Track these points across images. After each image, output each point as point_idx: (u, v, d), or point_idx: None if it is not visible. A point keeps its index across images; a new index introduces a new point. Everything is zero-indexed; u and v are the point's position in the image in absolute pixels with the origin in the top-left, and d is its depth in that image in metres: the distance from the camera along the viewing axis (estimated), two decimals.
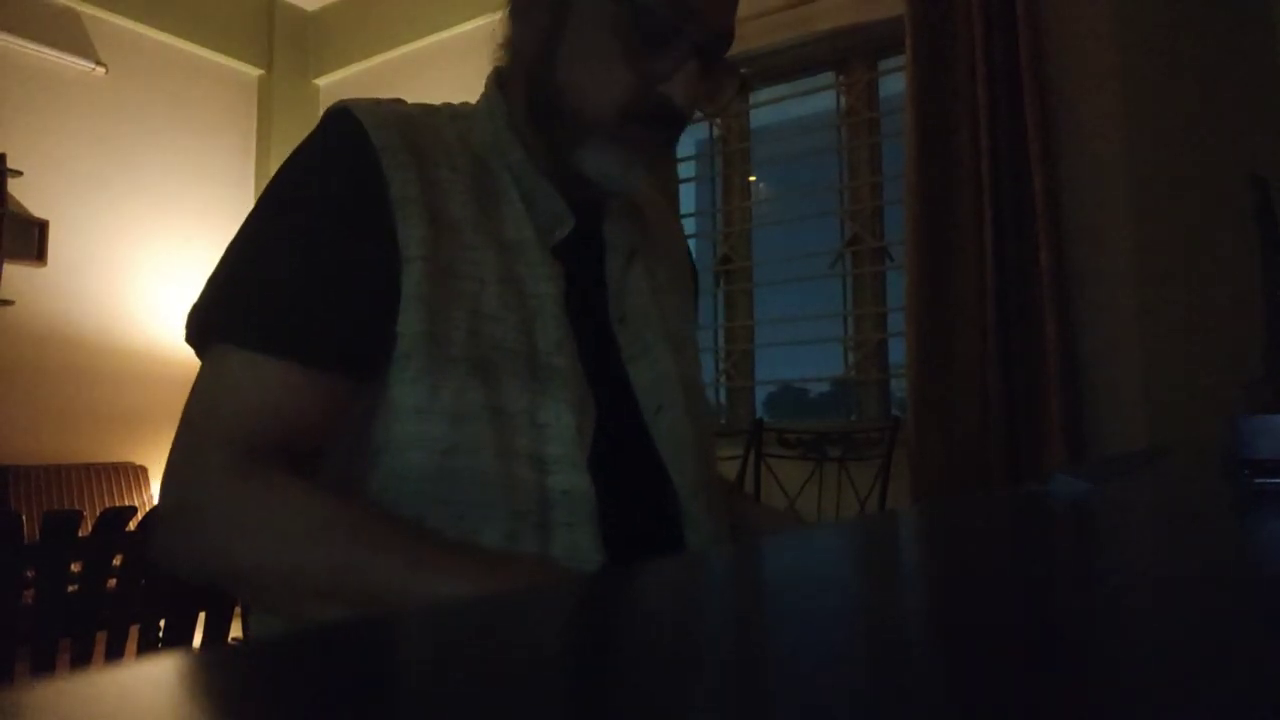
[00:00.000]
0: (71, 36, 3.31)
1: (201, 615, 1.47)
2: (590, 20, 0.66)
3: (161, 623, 1.39)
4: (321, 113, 0.68)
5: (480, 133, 0.71)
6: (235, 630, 1.64)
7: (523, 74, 0.70)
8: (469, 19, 3.50)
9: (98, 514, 1.30)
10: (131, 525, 1.34)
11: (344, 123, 0.65)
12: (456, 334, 0.62)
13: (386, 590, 0.54)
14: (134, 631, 1.35)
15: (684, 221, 2.90)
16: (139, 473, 3.26)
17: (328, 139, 0.65)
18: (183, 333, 0.64)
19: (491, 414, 0.62)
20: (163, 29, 3.56)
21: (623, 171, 0.70)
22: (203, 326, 0.63)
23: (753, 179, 2.96)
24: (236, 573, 0.59)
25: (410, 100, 0.74)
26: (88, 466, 3.13)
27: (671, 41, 0.66)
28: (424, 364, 0.61)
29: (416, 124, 0.68)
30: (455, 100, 0.77)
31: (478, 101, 0.75)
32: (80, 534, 1.25)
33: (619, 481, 0.67)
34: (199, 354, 0.64)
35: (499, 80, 0.74)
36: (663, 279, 0.82)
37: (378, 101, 0.68)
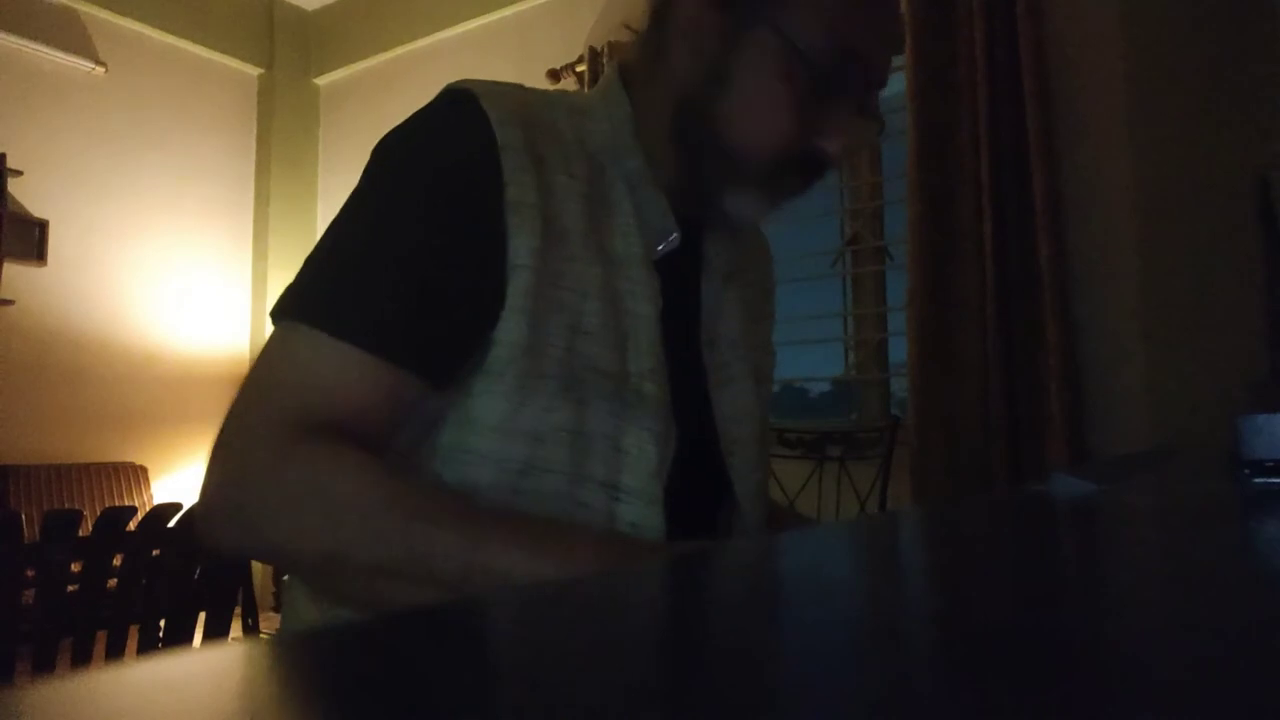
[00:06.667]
0: (71, 36, 3.31)
1: (201, 615, 1.47)
2: (762, 61, 0.63)
3: (161, 623, 1.39)
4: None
5: (598, 133, 0.68)
6: (235, 630, 1.64)
7: (673, 94, 0.67)
8: (469, 18, 3.50)
9: (98, 514, 1.31)
10: (131, 525, 1.34)
11: (469, 111, 0.61)
12: (553, 350, 0.60)
13: (445, 568, 0.52)
14: (134, 631, 1.35)
15: None
16: (139, 473, 3.26)
17: (449, 123, 0.62)
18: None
19: (572, 436, 0.60)
20: (163, 29, 3.56)
21: (759, 213, 0.69)
22: (282, 302, 0.61)
23: None
24: (283, 553, 0.56)
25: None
26: (88, 466, 3.13)
27: (837, 94, 0.64)
28: (516, 378, 0.59)
29: (537, 120, 0.64)
30: None
31: (594, 94, 0.71)
32: (80, 534, 1.25)
33: (687, 511, 0.65)
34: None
35: (624, 78, 0.70)
36: (754, 308, 0.80)
37: (501, 90, 0.64)
